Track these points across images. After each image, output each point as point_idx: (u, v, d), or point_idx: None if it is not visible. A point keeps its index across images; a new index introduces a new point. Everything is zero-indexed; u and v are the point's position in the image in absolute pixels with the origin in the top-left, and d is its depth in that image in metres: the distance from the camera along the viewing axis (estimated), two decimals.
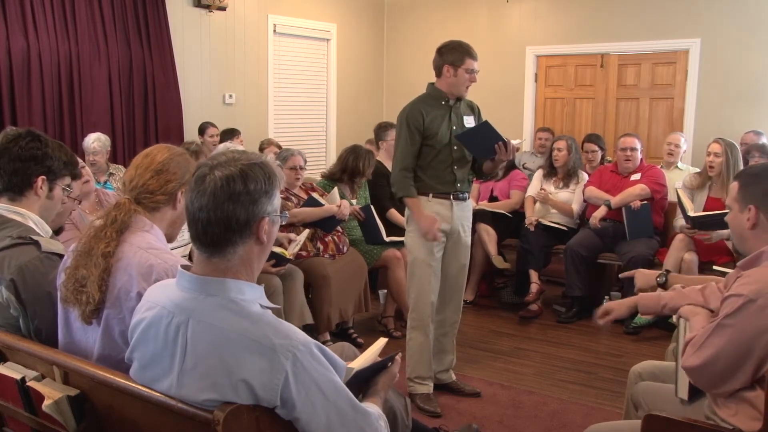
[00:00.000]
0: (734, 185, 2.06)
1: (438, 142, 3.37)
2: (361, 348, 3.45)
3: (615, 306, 2.47)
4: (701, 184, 4.68)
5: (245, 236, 1.50)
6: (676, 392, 2.15)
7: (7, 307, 1.96)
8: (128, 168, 1.97)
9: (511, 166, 5.52)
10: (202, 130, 6.04)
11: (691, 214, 4.44)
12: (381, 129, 5.16)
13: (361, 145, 4.86)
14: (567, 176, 5.26)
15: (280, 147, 5.69)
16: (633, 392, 2.38)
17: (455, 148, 3.39)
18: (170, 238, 1.99)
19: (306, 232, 4.16)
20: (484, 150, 3.34)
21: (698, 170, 4.95)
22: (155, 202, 1.90)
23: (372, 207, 4.58)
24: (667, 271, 2.58)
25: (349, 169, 4.67)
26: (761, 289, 1.81)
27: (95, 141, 4.91)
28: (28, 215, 2.12)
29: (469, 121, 3.47)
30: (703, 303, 2.23)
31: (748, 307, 1.82)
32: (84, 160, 4.97)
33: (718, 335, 1.87)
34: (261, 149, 5.86)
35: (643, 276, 2.64)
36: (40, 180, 2.13)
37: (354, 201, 4.69)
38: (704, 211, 4.50)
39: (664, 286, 2.51)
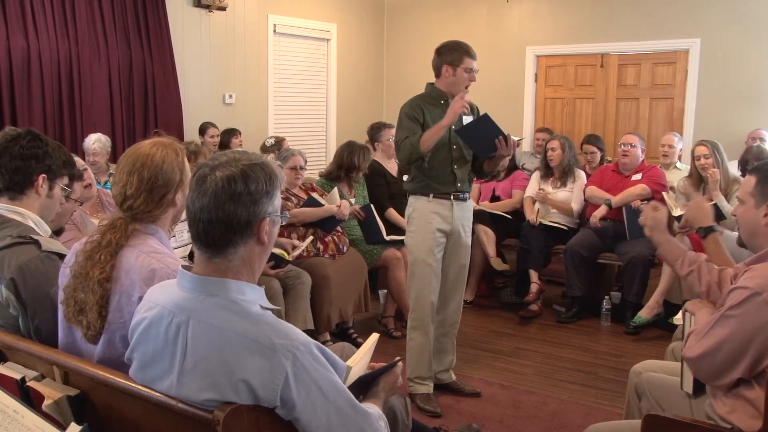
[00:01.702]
0: (751, 179, 2.02)
1: (438, 141, 3.36)
2: None
3: (658, 214, 2.40)
4: (694, 186, 4.70)
5: (246, 236, 1.50)
6: (682, 386, 2.16)
7: (6, 307, 1.96)
8: (114, 183, 1.87)
9: (513, 166, 5.53)
10: (203, 130, 6.05)
11: (675, 213, 4.47)
12: (375, 130, 5.14)
13: (355, 141, 4.86)
14: (563, 175, 5.26)
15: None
16: (637, 382, 2.38)
17: (454, 147, 3.39)
18: (174, 222, 1.98)
19: (309, 239, 4.16)
20: (485, 146, 3.30)
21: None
22: (153, 216, 1.86)
23: (372, 206, 4.59)
24: (713, 228, 2.45)
25: (345, 164, 4.67)
26: (767, 283, 1.81)
27: (96, 142, 4.91)
28: (28, 215, 2.13)
29: (468, 121, 3.47)
30: (716, 286, 2.22)
31: (753, 300, 1.82)
32: (84, 161, 4.99)
33: (721, 326, 1.88)
34: (277, 143, 5.86)
35: (696, 210, 2.51)
36: (41, 178, 2.14)
37: (353, 200, 4.69)
38: None
39: (704, 236, 2.45)
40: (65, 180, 2.25)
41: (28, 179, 2.12)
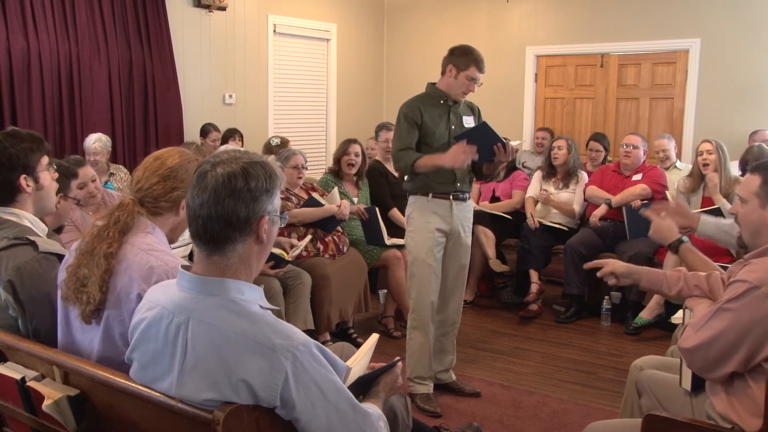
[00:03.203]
0: (754, 178, 2.01)
1: (436, 141, 3.36)
2: None
3: (617, 264, 2.40)
4: (694, 186, 4.71)
5: (245, 234, 1.50)
6: (681, 382, 2.16)
7: (5, 309, 1.96)
8: (138, 166, 1.95)
9: (513, 167, 5.53)
10: (205, 132, 6.02)
11: None
12: (376, 129, 5.22)
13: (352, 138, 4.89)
14: (567, 176, 5.26)
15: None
16: (637, 379, 2.37)
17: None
18: (170, 241, 1.98)
19: (308, 237, 4.17)
20: (483, 151, 3.33)
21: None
22: (158, 207, 1.89)
23: (377, 209, 4.59)
24: (681, 241, 2.48)
25: (341, 150, 4.70)
26: (766, 278, 1.81)
27: (96, 141, 4.92)
28: (23, 215, 2.12)
29: (469, 122, 3.47)
30: (708, 291, 2.22)
31: (751, 293, 1.82)
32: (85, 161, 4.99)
33: (718, 319, 1.88)
34: (282, 143, 5.86)
35: (659, 232, 2.52)
36: (23, 179, 2.12)
37: (355, 200, 4.70)
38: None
39: (676, 250, 2.47)
40: (44, 161, 2.20)
41: (12, 187, 2.11)
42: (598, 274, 2.46)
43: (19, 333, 1.97)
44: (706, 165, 4.59)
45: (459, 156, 3.15)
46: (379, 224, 4.55)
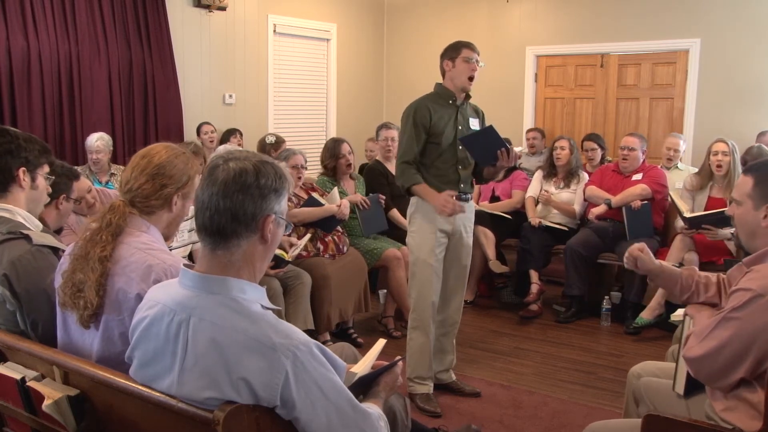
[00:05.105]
0: (747, 180, 2.00)
1: (444, 141, 3.37)
2: (361, 348, 3.45)
3: (645, 254, 2.36)
4: (702, 184, 4.68)
5: (250, 230, 1.51)
6: (674, 387, 2.15)
7: (3, 303, 1.97)
8: (126, 167, 1.94)
9: (512, 167, 5.52)
10: (198, 129, 6.05)
11: (687, 215, 4.45)
12: (377, 129, 5.21)
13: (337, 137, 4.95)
14: (568, 176, 5.26)
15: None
16: (634, 387, 2.37)
17: (460, 147, 3.39)
18: (166, 238, 1.98)
19: (307, 236, 4.17)
20: (487, 155, 3.35)
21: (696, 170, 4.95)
22: (150, 206, 1.88)
23: (381, 196, 4.62)
24: (680, 264, 2.53)
25: (335, 153, 4.71)
26: None
27: (98, 140, 4.94)
28: (16, 211, 2.13)
29: (474, 124, 3.49)
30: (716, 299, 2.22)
31: (756, 302, 1.81)
32: (86, 160, 5.00)
33: (723, 328, 1.87)
34: (277, 142, 5.86)
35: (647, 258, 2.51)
36: (21, 172, 2.14)
37: None
38: (705, 211, 4.52)
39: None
40: (45, 169, 2.24)
41: (9, 175, 2.12)
42: (625, 256, 2.41)
43: (18, 327, 1.98)
44: (719, 166, 4.56)
45: (447, 207, 3.26)
46: (382, 210, 4.57)
